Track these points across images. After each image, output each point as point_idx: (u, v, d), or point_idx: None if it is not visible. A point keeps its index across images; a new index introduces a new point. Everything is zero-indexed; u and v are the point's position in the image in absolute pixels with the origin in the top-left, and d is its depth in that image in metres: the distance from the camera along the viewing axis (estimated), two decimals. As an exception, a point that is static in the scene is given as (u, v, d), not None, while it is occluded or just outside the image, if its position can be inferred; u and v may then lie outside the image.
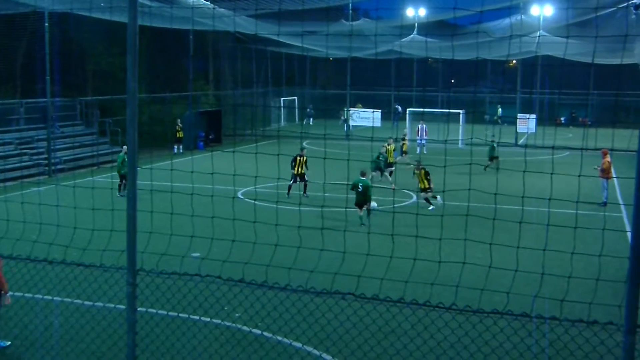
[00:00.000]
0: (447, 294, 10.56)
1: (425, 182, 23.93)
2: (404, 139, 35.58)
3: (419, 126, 42.18)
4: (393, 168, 29.38)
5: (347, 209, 20.80)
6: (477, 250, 15.42)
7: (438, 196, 23.88)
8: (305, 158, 25.90)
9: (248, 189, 25.60)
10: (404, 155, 34.61)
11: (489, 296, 10.84)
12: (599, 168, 25.30)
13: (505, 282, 9.55)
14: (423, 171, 24.00)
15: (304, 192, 25.68)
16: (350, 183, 20.79)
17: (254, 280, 7.20)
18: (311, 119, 62.19)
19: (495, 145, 32.99)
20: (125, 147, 28.20)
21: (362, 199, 21.06)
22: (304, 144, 39.94)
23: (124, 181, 26.17)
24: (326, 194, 24.43)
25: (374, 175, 28.65)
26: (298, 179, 25.96)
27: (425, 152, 40.57)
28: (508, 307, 7.42)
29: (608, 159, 25.54)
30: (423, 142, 41.65)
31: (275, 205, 19.67)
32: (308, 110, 62.69)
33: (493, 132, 37.38)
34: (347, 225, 20.19)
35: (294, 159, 25.89)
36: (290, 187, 25.74)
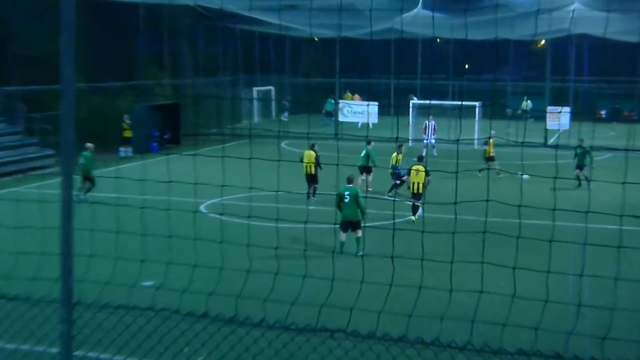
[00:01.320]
0: (461, 330, 10.57)
1: (421, 185, 24.66)
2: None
3: (427, 123, 42.36)
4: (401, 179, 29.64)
5: (337, 226, 20.80)
6: (497, 277, 15.46)
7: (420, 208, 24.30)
8: (315, 155, 28.47)
9: (213, 201, 25.56)
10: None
11: (513, 333, 10.89)
12: None
13: (533, 316, 9.58)
14: (422, 170, 24.71)
15: (313, 194, 28.07)
16: (337, 193, 20.80)
17: (220, 314, 7.18)
18: (286, 114, 62.17)
19: (587, 150, 33.16)
20: (89, 145, 28.70)
21: (351, 214, 20.87)
22: (282, 144, 39.98)
23: (86, 184, 27.67)
24: (310, 208, 24.45)
25: (363, 180, 29.65)
26: (309, 181, 28.52)
27: (435, 154, 40.68)
28: (537, 347, 7.45)
29: None
30: (432, 141, 41.81)
31: (246, 222, 19.66)
32: (283, 102, 62.69)
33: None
34: (337, 246, 20.20)
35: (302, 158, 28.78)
36: (309, 193, 28.26)
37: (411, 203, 24.71)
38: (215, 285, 9.11)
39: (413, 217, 24.50)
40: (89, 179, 27.70)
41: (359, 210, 20.77)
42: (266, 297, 8.80)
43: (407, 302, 9.47)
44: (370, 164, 29.69)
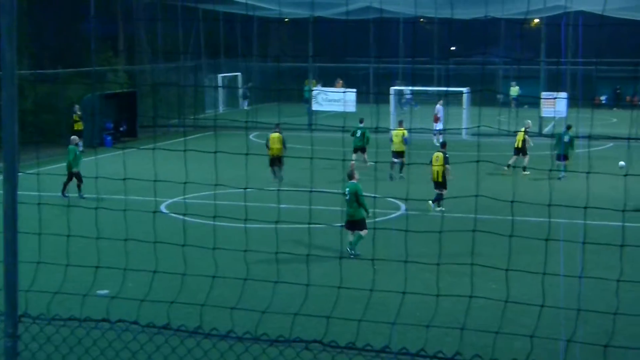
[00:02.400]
0: (449, 339, 10.62)
1: (440, 174, 25.67)
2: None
3: (437, 107, 43.55)
4: (403, 159, 31.87)
5: (312, 226, 20.80)
6: (489, 279, 15.55)
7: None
8: (281, 136, 30.97)
9: (174, 200, 25.50)
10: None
11: (506, 341, 10.95)
12: None
13: (528, 322, 9.64)
14: (442, 157, 25.72)
15: (276, 175, 30.55)
16: (317, 190, 20.80)
17: (183, 325, 7.17)
18: (246, 102, 62.07)
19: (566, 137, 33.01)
20: (74, 137, 29.01)
21: (352, 212, 20.83)
22: (251, 137, 39.96)
23: (72, 180, 28.15)
24: (282, 206, 24.44)
25: (355, 158, 31.71)
26: (275, 163, 30.57)
27: (437, 143, 41.07)
28: (532, 356, 7.50)
29: None
30: (438, 129, 42.47)
31: (212, 222, 19.61)
32: (242, 89, 62.52)
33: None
34: (312, 248, 20.18)
35: (268, 139, 31.20)
36: (273, 170, 30.52)
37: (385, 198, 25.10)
38: (177, 293, 9.08)
39: (433, 204, 25.45)
40: (74, 174, 27.93)
41: (361, 208, 20.71)
42: (234, 305, 8.79)
43: (390, 309, 9.49)
44: (365, 144, 33.32)
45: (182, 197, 24.30)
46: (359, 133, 33.93)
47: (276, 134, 31.43)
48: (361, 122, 34.40)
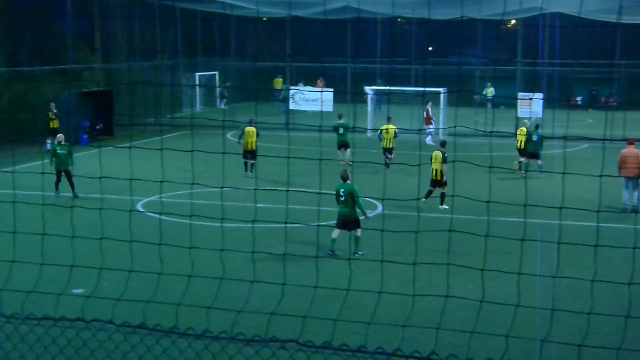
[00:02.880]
0: (425, 338, 10.62)
1: (439, 172, 25.92)
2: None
3: (428, 107, 43.96)
4: (392, 155, 33.48)
5: (288, 225, 20.79)
6: (465, 279, 15.59)
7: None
8: (255, 130, 31.80)
9: (151, 198, 25.41)
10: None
11: (482, 341, 10.96)
12: None
13: (504, 322, 9.66)
14: (441, 156, 25.88)
15: (251, 169, 31.22)
16: (294, 190, 20.76)
17: (159, 325, 7.14)
18: (224, 101, 62.04)
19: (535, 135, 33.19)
20: (60, 135, 28.64)
21: (348, 212, 20.91)
22: (228, 136, 39.89)
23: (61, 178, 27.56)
24: (259, 205, 24.42)
25: (340, 155, 33.54)
26: (249, 157, 31.45)
27: (429, 142, 41.28)
28: (507, 356, 7.52)
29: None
30: (431, 130, 42.78)
31: (188, 221, 19.59)
32: (220, 89, 62.44)
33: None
34: (288, 246, 20.17)
35: (242, 132, 32.05)
36: (246, 164, 31.53)
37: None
38: (153, 292, 9.05)
39: (442, 206, 25.84)
40: (65, 172, 27.51)
41: (357, 208, 20.74)
42: (210, 304, 8.77)
43: (366, 308, 9.49)
44: (348, 139, 34.20)
45: (158, 196, 24.23)
46: (341, 130, 34.61)
47: (251, 128, 32.11)
48: (340, 118, 35.05)
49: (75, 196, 26.80)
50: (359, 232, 20.57)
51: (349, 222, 20.67)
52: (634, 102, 52.54)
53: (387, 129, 33.61)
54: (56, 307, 9.20)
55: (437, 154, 26.09)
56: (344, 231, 20.67)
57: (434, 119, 43.74)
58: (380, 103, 55.46)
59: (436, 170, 25.88)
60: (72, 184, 27.25)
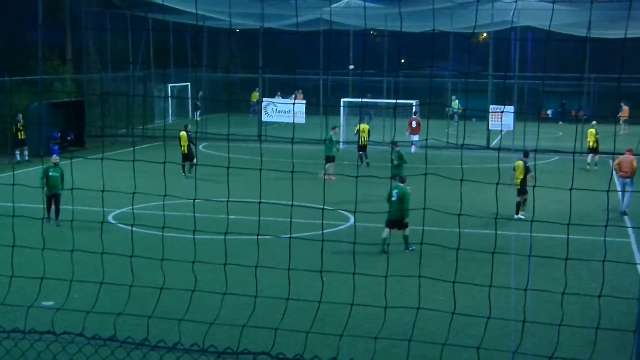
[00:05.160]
0: (397, 350, 10.63)
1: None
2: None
3: (417, 118, 44.40)
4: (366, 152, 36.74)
5: (261, 237, 20.75)
6: (436, 291, 15.62)
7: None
8: (188, 135, 33.80)
9: (122, 210, 25.28)
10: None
11: (454, 353, 10.98)
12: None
13: (476, 333, 9.69)
14: (522, 165, 26.06)
15: (189, 170, 33.11)
16: (266, 202, 20.75)
17: (130, 338, 7.10)
18: (197, 113, 61.95)
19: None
20: (55, 157, 26.40)
21: (398, 213, 21.40)
22: (200, 147, 39.83)
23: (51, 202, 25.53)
24: (231, 217, 24.37)
25: (327, 167, 33.37)
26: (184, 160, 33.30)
27: (412, 151, 41.59)
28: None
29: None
30: (415, 139, 43.13)
31: (160, 233, 19.50)
32: (195, 101, 62.33)
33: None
34: (262, 258, 20.11)
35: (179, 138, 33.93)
36: (183, 166, 33.13)
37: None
38: (124, 304, 9.00)
39: (517, 216, 25.75)
40: (54, 197, 25.58)
41: (406, 210, 21.41)
42: (182, 316, 8.73)
43: (338, 320, 9.48)
44: (334, 153, 34.32)
45: (130, 208, 24.11)
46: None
47: (183, 133, 34.15)
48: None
49: (57, 225, 24.86)
50: (406, 231, 21.37)
51: (397, 222, 21.46)
52: (605, 114, 52.94)
53: (362, 129, 37.45)
54: (26, 319, 9.12)
55: (519, 163, 26.22)
56: (393, 230, 21.38)
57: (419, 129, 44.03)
58: (371, 115, 55.98)
59: (519, 179, 25.90)
60: (58, 211, 25.26)
